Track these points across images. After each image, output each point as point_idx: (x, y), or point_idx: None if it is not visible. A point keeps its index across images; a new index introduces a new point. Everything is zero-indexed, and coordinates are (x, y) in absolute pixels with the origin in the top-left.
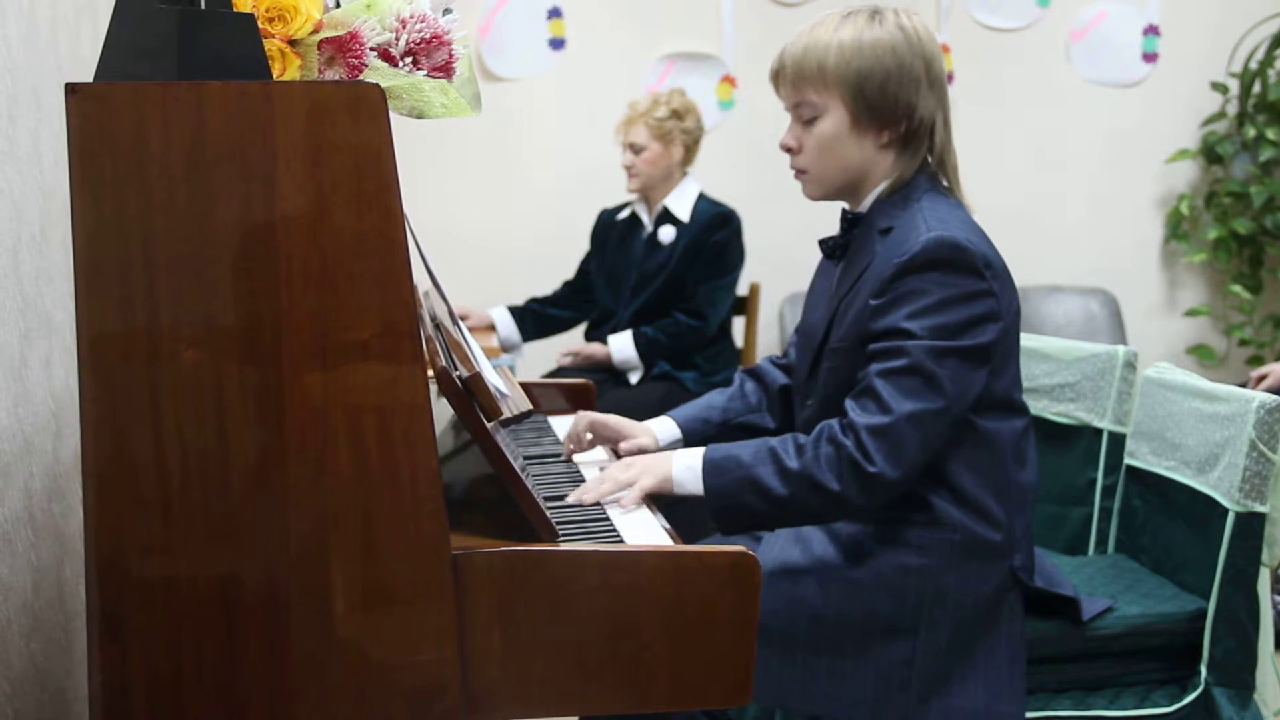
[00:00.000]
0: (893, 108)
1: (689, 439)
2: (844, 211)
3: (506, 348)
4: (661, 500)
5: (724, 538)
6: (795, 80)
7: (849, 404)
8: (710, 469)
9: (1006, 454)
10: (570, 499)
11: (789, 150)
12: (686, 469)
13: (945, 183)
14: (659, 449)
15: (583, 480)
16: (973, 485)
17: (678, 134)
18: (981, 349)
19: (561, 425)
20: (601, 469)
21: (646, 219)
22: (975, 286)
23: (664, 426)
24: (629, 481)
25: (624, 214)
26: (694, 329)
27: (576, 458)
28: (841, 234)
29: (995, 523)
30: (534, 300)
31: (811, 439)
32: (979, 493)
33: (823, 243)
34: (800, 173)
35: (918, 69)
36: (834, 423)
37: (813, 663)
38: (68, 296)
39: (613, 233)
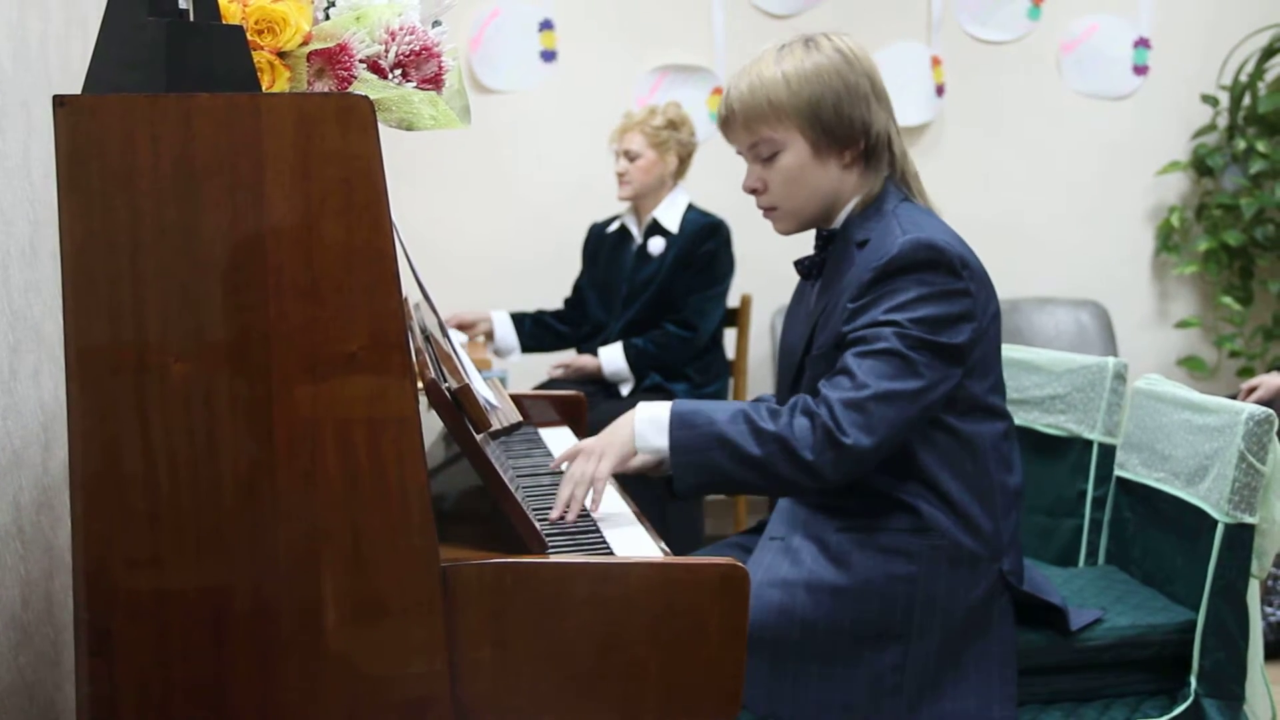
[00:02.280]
0: (849, 128)
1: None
2: (818, 230)
3: (501, 353)
4: (654, 510)
5: (714, 549)
6: (747, 121)
7: (822, 384)
8: (678, 421)
9: (988, 457)
10: (551, 517)
11: (754, 192)
12: (649, 420)
13: (909, 190)
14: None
15: None
16: (957, 489)
17: (673, 144)
18: (955, 349)
19: (552, 437)
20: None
21: (636, 231)
22: (951, 285)
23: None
24: (590, 474)
25: (614, 227)
26: (685, 340)
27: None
28: (817, 252)
29: (981, 526)
30: (542, 311)
31: (786, 409)
32: (963, 497)
33: (798, 263)
34: (770, 210)
35: (864, 86)
36: (806, 397)
37: (804, 670)
38: (57, 309)
39: (603, 246)
